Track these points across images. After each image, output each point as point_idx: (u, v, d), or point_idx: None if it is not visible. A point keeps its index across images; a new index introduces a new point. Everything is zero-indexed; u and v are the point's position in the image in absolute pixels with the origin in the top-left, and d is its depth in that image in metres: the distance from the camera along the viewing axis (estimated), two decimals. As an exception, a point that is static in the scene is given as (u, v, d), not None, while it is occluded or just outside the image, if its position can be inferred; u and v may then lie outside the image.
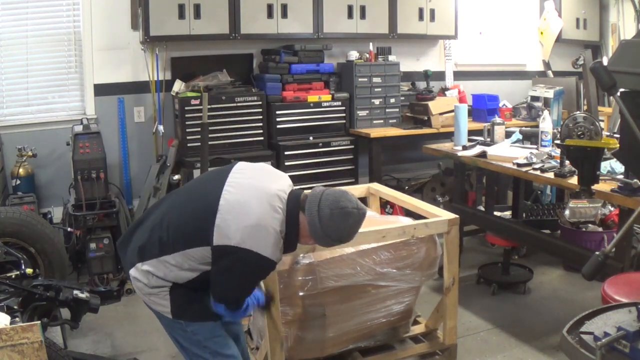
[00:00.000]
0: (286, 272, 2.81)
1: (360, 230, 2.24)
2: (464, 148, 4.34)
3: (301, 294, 2.82)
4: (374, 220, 3.18)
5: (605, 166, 3.35)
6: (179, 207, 2.26)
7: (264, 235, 2.08)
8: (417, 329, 3.28)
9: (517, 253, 4.79)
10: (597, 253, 1.89)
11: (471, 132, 4.61)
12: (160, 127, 4.99)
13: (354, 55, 5.42)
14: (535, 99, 5.58)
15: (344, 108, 5.35)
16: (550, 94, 5.38)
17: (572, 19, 6.62)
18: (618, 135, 3.24)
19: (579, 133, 3.05)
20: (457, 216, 3.04)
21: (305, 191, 2.25)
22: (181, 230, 2.17)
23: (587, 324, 1.83)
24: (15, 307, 2.68)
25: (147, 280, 2.21)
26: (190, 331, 2.26)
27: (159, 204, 2.39)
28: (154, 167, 4.93)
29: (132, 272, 2.25)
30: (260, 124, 5.05)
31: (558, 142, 3.34)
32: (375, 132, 5.23)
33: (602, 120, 5.52)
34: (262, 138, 5.07)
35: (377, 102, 5.44)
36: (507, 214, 4.97)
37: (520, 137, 4.41)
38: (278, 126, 5.13)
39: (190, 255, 2.14)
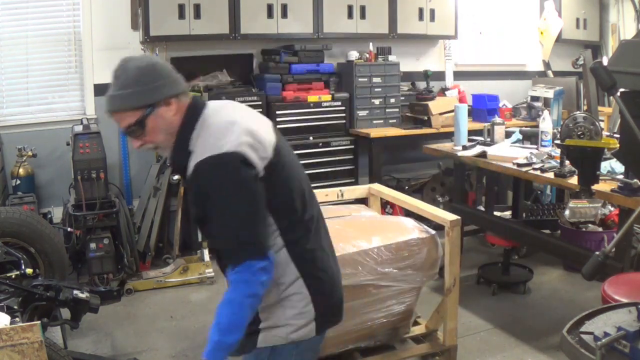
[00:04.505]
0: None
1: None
2: (464, 148, 4.34)
3: (301, 293, 2.81)
4: (375, 221, 3.20)
5: (605, 166, 3.35)
6: None
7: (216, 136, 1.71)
8: (417, 330, 3.27)
9: (517, 253, 4.79)
10: (597, 253, 1.88)
11: (471, 132, 4.61)
12: (161, 127, 4.98)
13: (354, 55, 5.41)
14: (535, 99, 5.57)
15: (344, 108, 5.34)
16: (550, 94, 5.38)
17: (572, 19, 6.62)
18: (618, 135, 3.24)
19: (579, 133, 3.06)
20: (458, 217, 3.04)
21: None
22: None
23: (587, 324, 1.83)
24: (15, 307, 2.68)
25: None
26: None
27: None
28: (154, 167, 4.93)
29: None
30: (260, 124, 5.04)
31: (558, 142, 3.35)
32: (375, 132, 5.23)
33: (602, 120, 5.52)
34: (262, 138, 5.06)
35: (377, 102, 5.44)
36: (507, 214, 4.96)
37: (520, 137, 4.41)
38: (278, 126, 5.08)
39: None
